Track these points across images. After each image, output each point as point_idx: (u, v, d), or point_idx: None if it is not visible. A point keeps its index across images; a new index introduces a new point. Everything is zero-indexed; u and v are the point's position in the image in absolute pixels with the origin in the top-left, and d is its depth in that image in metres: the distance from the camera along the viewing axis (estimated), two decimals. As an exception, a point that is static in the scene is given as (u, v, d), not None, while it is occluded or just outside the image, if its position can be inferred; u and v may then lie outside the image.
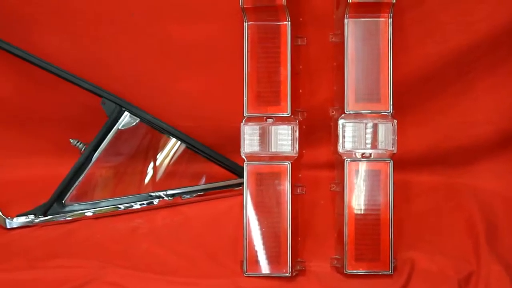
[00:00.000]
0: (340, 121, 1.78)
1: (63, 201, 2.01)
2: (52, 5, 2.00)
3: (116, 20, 2.01)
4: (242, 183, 1.82)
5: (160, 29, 2.01)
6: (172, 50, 2.04)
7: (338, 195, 1.84)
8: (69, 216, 2.01)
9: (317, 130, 2.03)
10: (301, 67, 1.93)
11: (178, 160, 2.08)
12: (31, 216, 1.99)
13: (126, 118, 1.99)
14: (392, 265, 1.76)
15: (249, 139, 1.80)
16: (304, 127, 1.87)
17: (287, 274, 1.77)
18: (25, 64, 2.00)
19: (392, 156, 1.78)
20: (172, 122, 2.05)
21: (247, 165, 1.80)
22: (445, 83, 2.05)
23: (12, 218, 1.99)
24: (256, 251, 1.79)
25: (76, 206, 2.02)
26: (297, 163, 1.84)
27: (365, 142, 1.78)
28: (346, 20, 1.78)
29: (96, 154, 1.99)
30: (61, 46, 2.04)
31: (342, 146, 1.79)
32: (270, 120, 1.80)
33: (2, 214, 1.99)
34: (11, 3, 2.00)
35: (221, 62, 2.03)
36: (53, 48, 2.04)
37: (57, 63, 2.01)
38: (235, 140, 1.83)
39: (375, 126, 1.78)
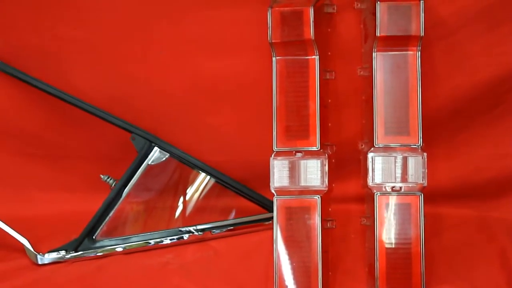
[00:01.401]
0: (370, 155, 1.78)
1: (93, 237, 2.01)
2: (83, 44, 2.03)
3: (146, 56, 2.04)
4: (272, 218, 1.81)
5: (190, 64, 2.03)
6: (202, 84, 2.05)
7: (369, 229, 1.83)
8: (99, 252, 2.01)
9: (347, 164, 2.03)
10: (329, 100, 1.94)
11: (208, 195, 2.09)
12: (62, 252, 2.00)
13: (156, 153, 2.00)
14: (424, 299, 1.75)
15: (279, 174, 1.80)
16: (333, 160, 1.87)
17: (318, 309, 1.76)
18: (57, 101, 2.03)
19: (423, 189, 1.76)
20: (202, 156, 2.05)
21: (276, 199, 1.80)
22: (474, 116, 2.04)
23: (43, 254, 2.00)
24: (287, 286, 1.77)
25: (106, 242, 2.03)
26: (327, 197, 1.84)
27: (395, 176, 1.77)
28: (374, 54, 1.78)
29: (126, 190, 2.00)
30: (92, 83, 2.06)
31: (372, 180, 1.78)
32: (299, 154, 1.80)
33: (34, 250, 1.99)
34: (43, 42, 2.04)
35: (250, 96, 2.04)
36: (85, 85, 2.06)
37: (89, 100, 2.03)
38: (265, 174, 1.83)
39: (404, 159, 1.77)
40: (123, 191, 2.00)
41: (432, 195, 1.90)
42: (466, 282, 1.82)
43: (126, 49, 2.03)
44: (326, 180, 1.79)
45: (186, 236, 2.04)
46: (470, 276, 1.85)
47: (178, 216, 2.10)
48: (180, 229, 2.04)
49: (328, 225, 1.84)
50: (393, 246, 1.76)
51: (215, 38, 2.00)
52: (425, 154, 1.76)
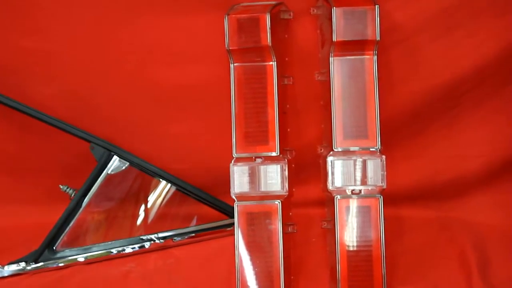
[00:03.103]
0: (329, 159, 1.79)
1: (54, 248, 2.00)
2: (40, 54, 2.01)
3: (105, 65, 2.02)
4: (233, 223, 1.81)
5: (149, 73, 2.02)
6: (161, 93, 2.04)
7: (330, 232, 1.84)
8: (60, 262, 2.00)
9: (307, 168, 2.03)
10: (288, 106, 1.94)
11: (169, 203, 2.08)
12: (22, 264, 1.98)
13: (115, 163, 1.99)
14: (386, 301, 1.76)
15: (239, 180, 1.80)
16: (293, 165, 1.88)
17: (281, 313, 1.76)
18: (15, 113, 2.01)
19: (382, 192, 1.78)
20: (162, 164, 2.05)
21: (237, 205, 1.80)
22: (432, 118, 2.06)
23: (3, 266, 1.98)
24: (249, 291, 1.79)
25: (67, 252, 2.01)
26: (288, 202, 1.84)
27: (355, 179, 1.78)
28: (331, 59, 1.79)
29: (86, 199, 1.99)
30: (50, 94, 2.05)
31: (332, 183, 1.79)
32: (259, 160, 1.80)
33: (-7, 263, 1.98)
34: (1, 56, 2.02)
35: (209, 104, 2.04)
36: (43, 96, 2.04)
37: (47, 110, 2.01)
38: (226, 180, 1.83)
39: (364, 163, 1.78)
40: (83, 200, 1.98)
41: (392, 197, 1.92)
42: (427, 282, 1.84)
43: (85, 58, 2.02)
44: (286, 185, 1.80)
45: (147, 244, 2.03)
46: (431, 277, 1.87)
47: (140, 225, 2.09)
48: (141, 237, 2.04)
49: (289, 229, 1.84)
50: (354, 248, 1.77)
51: (175, 47, 2.00)
52: (383, 156, 1.78)
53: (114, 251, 2.02)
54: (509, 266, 1.90)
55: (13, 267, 1.98)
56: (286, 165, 1.80)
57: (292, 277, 1.85)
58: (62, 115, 2.02)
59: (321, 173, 1.87)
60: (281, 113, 1.82)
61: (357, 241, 1.78)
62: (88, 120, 2.05)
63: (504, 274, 1.86)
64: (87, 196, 1.99)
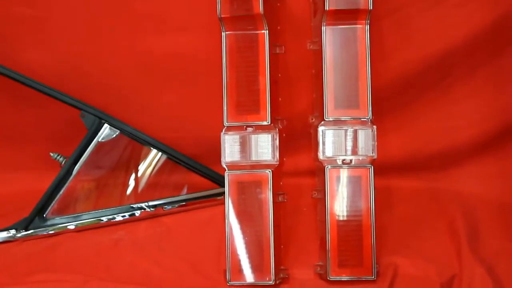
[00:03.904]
0: (320, 128, 1.79)
1: (44, 215, 2.00)
2: (31, 21, 2.01)
3: (96, 33, 2.02)
4: (224, 193, 1.81)
5: (140, 42, 2.02)
6: (152, 61, 2.04)
7: (320, 202, 1.84)
8: (51, 230, 2.00)
9: (298, 138, 2.03)
10: (280, 75, 1.94)
11: (160, 171, 2.08)
12: (12, 231, 1.98)
13: (106, 131, 1.99)
14: (375, 270, 1.76)
15: (230, 149, 1.80)
16: (284, 135, 1.88)
17: (271, 282, 1.76)
18: (6, 80, 2.00)
19: (373, 162, 1.78)
20: (153, 133, 2.05)
21: (228, 174, 1.80)
22: (424, 88, 2.05)
23: (-7, 233, 1.99)
24: (239, 260, 1.79)
25: (57, 220, 2.01)
26: (278, 171, 1.84)
27: (346, 149, 1.78)
28: (323, 28, 1.78)
29: (76, 167, 1.98)
30: (41, 61, 2.05)
31: (323, 153, 1.79)
32: (250, 129, 1.80)
33: (-17, 230, 1.98)
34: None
35: (200, 72, 2.04)
36: (34, 63, 2.04)
37: (38, 78, 2.00)
38: (216, 150, 1.83)
39: (355, 132, 1.78)
40: (74, 168, 1.98)
41: (383, 168, 1.92)
42: (416, 253, 1.85)
43: (76, 26, 2.01)
44: (277, 154, 1.80)
45: (138, 213, 2.03)
46: (420, 247, 1.87)
47: (130, 193, 2.09)
48: (132, 205, 2.04)
49: (280, 199, 1.85)
50: (344, 218, 1.78)
51: (166, 15, 1.99)
52: (374, 127, 1.78)
53: (105, 219, 2.02)
54: (498, 237, 1.91)
55: (3, 234, 1.98)
56: (277, 135, 1.80)
57: (282, 247, 1.85)
58: (52, 83, 2.01)
59: (312, 143, 1.87)
60: (273, 82, 1.82)
61: (347, 211, 1.78)
62: (78, 88, 2.04)
63: (493, 245, 1.87)
64: (78, 164, 1.98)
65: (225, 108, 1.80)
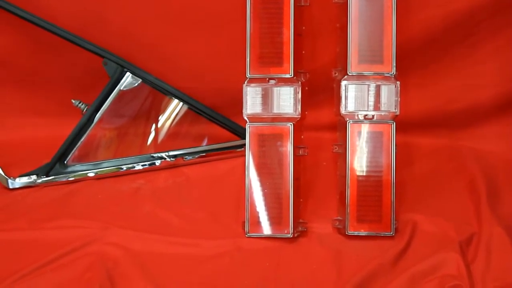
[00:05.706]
0: (343, 83, 1.78)
1: (65, 162, 2.01)
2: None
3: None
4: (244, 145, 1.82)
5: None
6: (176, 11, 2.03)
7: (341, 157, 1.84)
8: (71, 177, 2.01)
9: (320, 92, 2.03)
10: (304, 28, 1.92)
11: (180, 122, 2.08)
12: (33, 177, 2.00)
13: (128, 79, 1.99)
14: (394, 226, 1.76)
15: (252, 101, 1.80)
16: (306, 88, 1.87)
17: (289, 235, 1.77)
18: (28, 25, 1.99)
19: (395, 118, 1.77)
20: (175, 83, 2.04)
21: (249, 127, 1.80)
22: (448, 46, 2.04)
23: (14, 178, 1.99)
24: (258, 212, 1.79)
25: (78, 167, 2.03)
26: (300, 125, 1.84)
27: (368, 104, 1.78)
28: (349, -19, 1.77)
29: (98, 115, 1.99)
30: (64, 7, 2.03)
31: (345, 108, 1.78)
32: (272, 81, 1.79)
33: (5, 175, 1.99)
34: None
35: (224, 23, 2.03)
36: (56, 10, 2.03)
37: (61, 24, 2.00)
38: (238, 101, 1.82)
39: (377, 88, 1.77)
40: (95, 116, 1.99)
41: (404, 124, 1.92)
42: (435, 210, 1.84)
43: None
44: (299, 107, 1.79)
45: (158, 162, 2.04)
46: (439, 205, 1.87)
47: (151, 142, 2.10)
48: (152, 155, 2.05)
49: (300, 152, 1.84)
50: (364, 174, 1.78)
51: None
52: (398, 82, 1.77)
53: (125, 167, 2.03)
54: (517, 197, 1.91)
55: (24, 180, 1.99)
56: (300, 88, 1.79)
57: (301, 200, 1.85)
58: (74, 30, 2.01)
59: (335, 97, 1.86)
60: (297, 34, 1.80)
61: (367, 167, 1.78)
62: (100, 36, 2.03)
63: (513, 204, 1.87)
64: (99, 112, 1.98)
65: (248, 59, 1.79)
